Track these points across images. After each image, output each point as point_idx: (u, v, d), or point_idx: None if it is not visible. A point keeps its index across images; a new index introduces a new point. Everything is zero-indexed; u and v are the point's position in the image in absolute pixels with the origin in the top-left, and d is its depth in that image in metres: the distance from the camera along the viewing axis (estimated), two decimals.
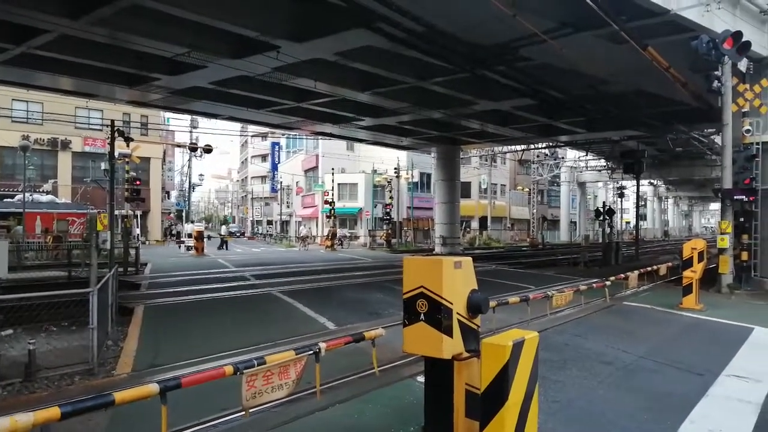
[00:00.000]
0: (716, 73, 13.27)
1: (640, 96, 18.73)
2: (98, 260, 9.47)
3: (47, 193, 33.59)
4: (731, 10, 13.31)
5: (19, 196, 27.10)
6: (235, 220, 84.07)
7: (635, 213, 32.67)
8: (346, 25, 11.94)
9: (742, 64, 13.66)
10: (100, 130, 33.72)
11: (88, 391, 6.28)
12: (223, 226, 50.54)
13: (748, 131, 14.00)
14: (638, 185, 31.39)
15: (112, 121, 21.78)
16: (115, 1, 10.79)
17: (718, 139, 22.80)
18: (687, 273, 11.02)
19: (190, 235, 32.70)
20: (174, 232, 49.52)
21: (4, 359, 7.51)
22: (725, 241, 13.57)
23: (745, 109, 14.11)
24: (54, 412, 3.41)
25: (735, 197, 13.87)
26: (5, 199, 29.66)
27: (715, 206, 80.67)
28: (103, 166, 26.32)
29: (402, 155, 42.64)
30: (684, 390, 5.86)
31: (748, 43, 12.64)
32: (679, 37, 12.74)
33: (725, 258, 13.64)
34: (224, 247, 35.98)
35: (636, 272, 14.12)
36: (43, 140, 37.53)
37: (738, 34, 12.37)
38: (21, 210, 23.89)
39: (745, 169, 13.97)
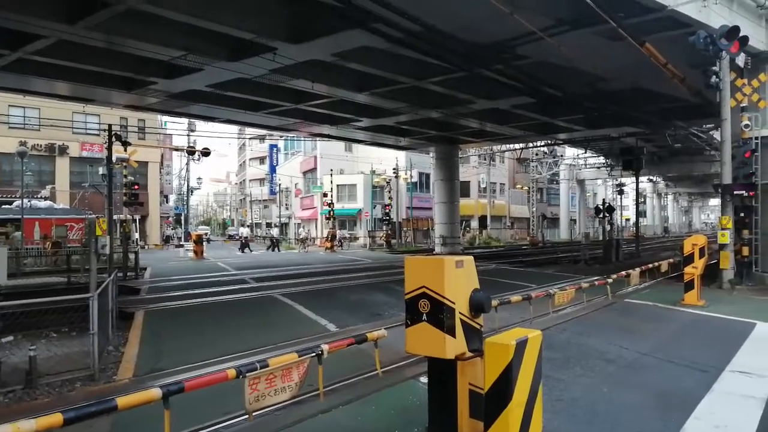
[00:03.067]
0: (714, 68, 13.25)
1: (639, 92, 18.73)
2: (97, 265, 9.43)
3: (45, 198, 33.47)
4: (728, 5, 13.31)
5: (17, 203, 27.02)
6: (233, 224, 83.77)
7: (635, 210, 32.68)
8: (342, 26, 11.91)
9: (740, 59, 13.62)
10: (98, 135, 33.60)
11: (89, 397, 6.26)
12: (244, 229, 45.99)
13: (747, 126, 13.97)
14: (637, 182, 31.44)
15: (110, 125, 21.75)
16: (112, 5, 10.77)
17: (717, 135, 22.80)
18: (688, 269, 10.98)
19: (246, 237, 38.58)
20: (164, 236, 48.94)
21: (5, 366, 7.47)
22: (726, 237, 13.55)
23: (744, 104, 14.08)
24: (56, 418, 3.40)
25: (735, 192, 13.85)
26: (3, 206, 29.57)
27: (715, 202, 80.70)
28: (101, 170, 26.33)
29: (401, 155, 42.60)
30: (688, 386, 5.84)
31: (745, 38, 12.62)
32: (676, 33, 12.75)
33: (726, 253, 13.62)
34: (276, 248, 37.80)
35: (637, 269, 14.11)
36: (41, 146, 37.45)
37: (735, 29, 12.35)
38: (19, 216, 23.79)
39: (744, 164, 13.96)
